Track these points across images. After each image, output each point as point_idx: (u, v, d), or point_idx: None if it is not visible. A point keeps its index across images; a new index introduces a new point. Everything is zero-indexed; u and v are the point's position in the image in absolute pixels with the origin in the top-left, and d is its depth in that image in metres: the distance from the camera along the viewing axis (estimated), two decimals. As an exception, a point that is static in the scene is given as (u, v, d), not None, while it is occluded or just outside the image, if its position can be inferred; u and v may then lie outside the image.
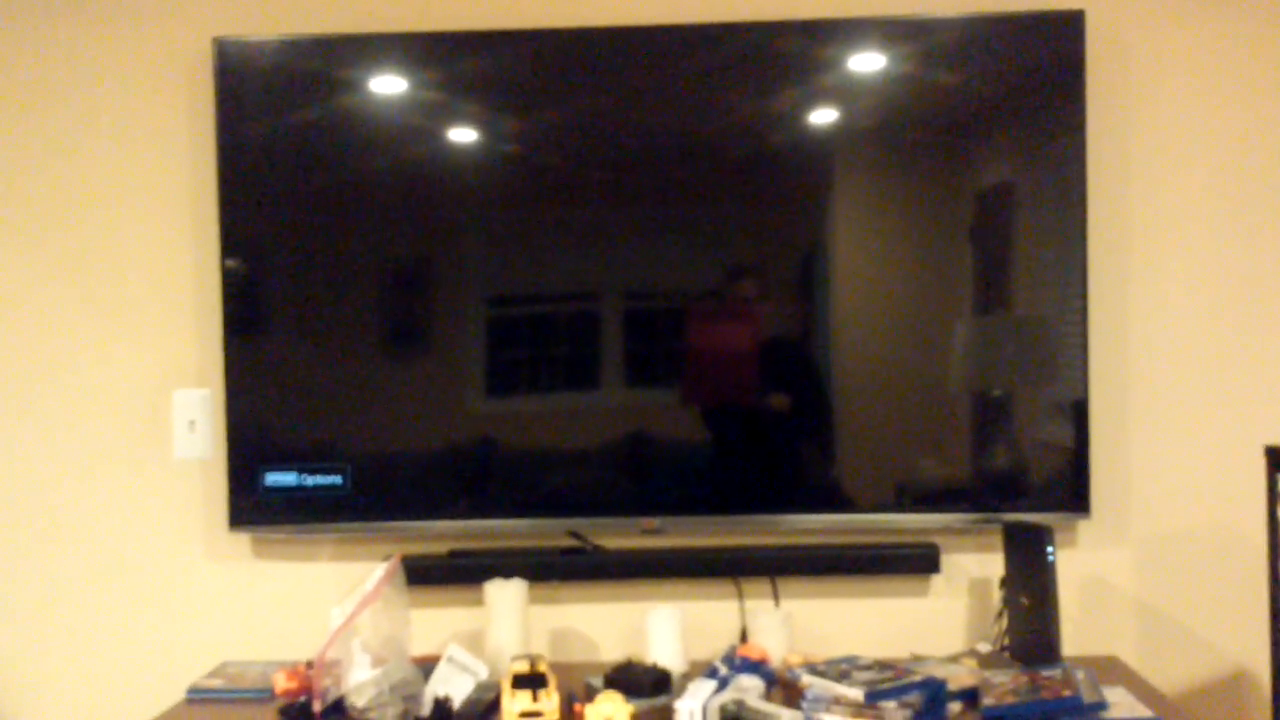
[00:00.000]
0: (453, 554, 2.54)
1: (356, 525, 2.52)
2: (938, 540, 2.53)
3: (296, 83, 2.49)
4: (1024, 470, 2.49)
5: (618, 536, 2.54)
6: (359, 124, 2.49)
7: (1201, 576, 2.54)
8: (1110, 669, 2.39)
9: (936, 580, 2.56)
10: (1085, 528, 2.54)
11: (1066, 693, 2.06)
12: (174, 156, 2.58)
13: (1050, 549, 2.30)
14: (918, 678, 2.09)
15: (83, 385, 2.59)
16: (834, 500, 2.50)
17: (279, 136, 2.49)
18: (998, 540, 2.46)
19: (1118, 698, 2.16)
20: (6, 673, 2.61)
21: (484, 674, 2.22)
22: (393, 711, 2.10)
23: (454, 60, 2.49)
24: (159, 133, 2.58)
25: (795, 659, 2.35)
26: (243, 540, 2.59)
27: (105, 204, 2.59)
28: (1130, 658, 2.52)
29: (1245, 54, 2.52)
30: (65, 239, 2.59)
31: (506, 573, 2.45)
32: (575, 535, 2.54)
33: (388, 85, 2.49)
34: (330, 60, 2.48)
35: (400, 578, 2.27)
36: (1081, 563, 2.55)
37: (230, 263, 2.50)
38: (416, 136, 2.49)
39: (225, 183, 2.49)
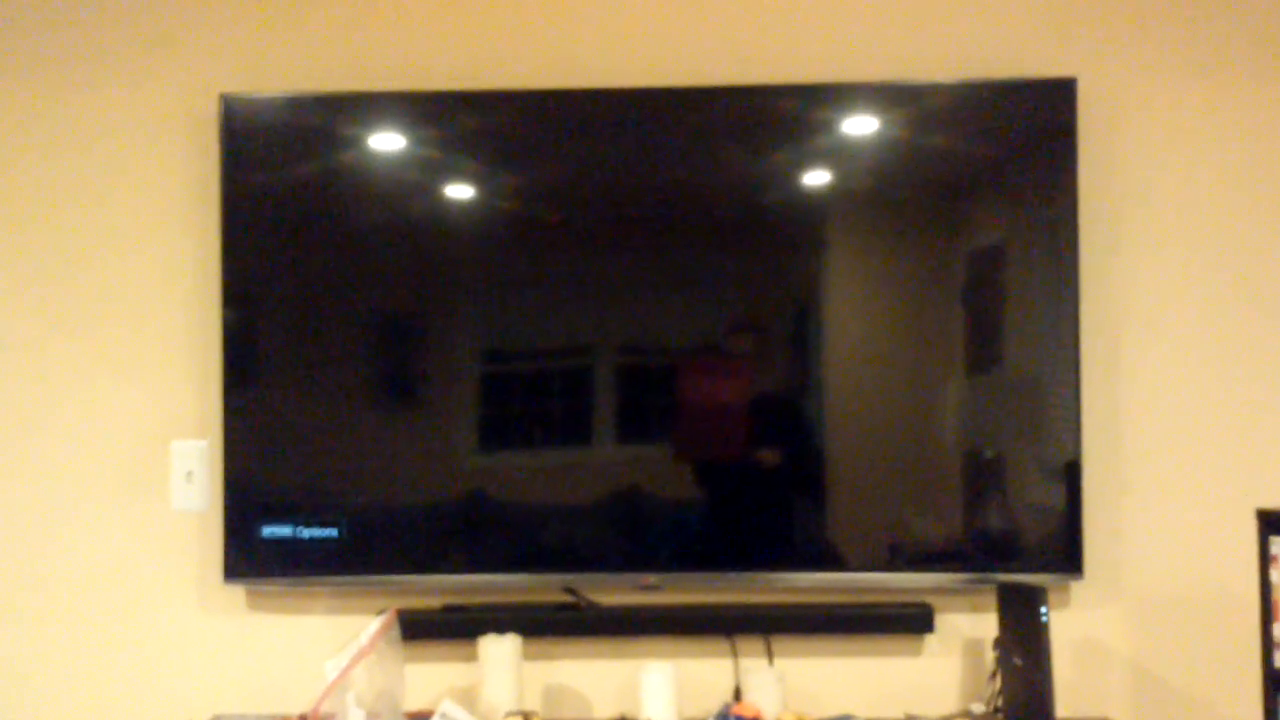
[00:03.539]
0: (447, 609, 2.54)
1: (351, 579, 2.52)
2: (931, 600, 2.53)
3: (299, 139, 2.52)
4: (1017, 530, 2.50)
5: (612, 593, 2.54)
6: (359, 180, 2.52)
7: (1195, 638, 2.55)
8: (1104, 731, 2.39)
9: (930, 640, 2.56)
10: (1079, 588, 2.55)
11: (1060, 755, 2.05)
12: (178, 208, 2.61)
13: (1044, 609, 2.30)
14: (911, 738, 2.09)
15: (81, 434, 2.60)
16: (828, 559, 2.50)
17: (281, 191, 2.52)
18: (991, 600, 2.46)
19: (1111, 760, 2.15)
20: (-4, 724, 2.60)
21: (477, 730, 2.22)
22: (385, 767, 2.09)
23: (452, 119, 2.53)
24: (164, 185, 2.61)
25: (789, 717, 2.35)
26: (237, 592, 2.59)
27: (109, 253, 2.61)
28: (1123, 719, 2.52)
29: (1236, 121, 2.56)
30: (68, 287, 2.61)
31: (501, 628, 2.45)
32: (570, 591, 2.54)
33: (388, 142, 2.53)
34: (332, 117, 2.52)
35: (395, 632, 2.27)
36: (1075, 623, 2.55)
37: (230, 314, 2.52)
38: (415, 193, 2.53)
39: (227, 235, 2.52)
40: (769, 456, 2.53)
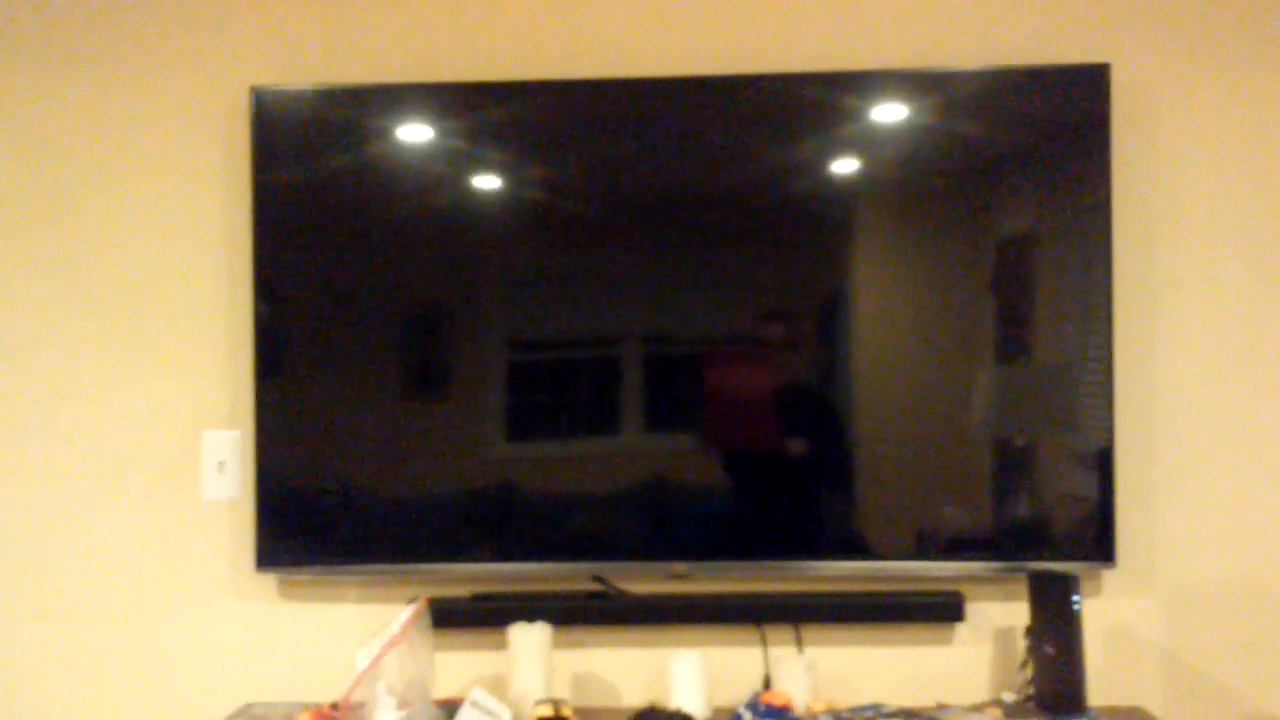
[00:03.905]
0: (477, 597, 2.55)
1: (382, 567, 2.53)
2: (962, 588, 2.52)
3: (329, 131, 2.53)
4: (1049, 518, 2.49)
5: (641, 581, 2.55)
6: (389, 171, 2.53)
7: (1228, 626, 2.53)
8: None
9: (961, 628, 2.56)
10: (1111, 577, 2.53)
11: (1092, 743, 2.05)
12: (210, 200, 2.62)
13: (1075, 598, 2.29)
14: (942, 726, 2.08)
15: (114, 425, 2.62)
16: (858, 547, 2.50)
17: (312, 182, 2.53)
18: (1023, 589, 2.45)
19: (1144, 749, 2.14)
20: (32, 710, 2.62)
21: (507, 718, 2.22)
22: (417, 754, 2.10)
23: (480, 110, 2.53)
24: (196, 177, 2.63)
25: (819, 706, 2.35)
26: (269, 581, 2.61)
27: (142, 245, 2.63)
28: (1156, 708, 2.51)
29: (1271, 106, 2.54)
30: (102, 279, 2.63)
31: (530, 616, 2.46)
32: (599, 580, 2.54)
33: (417, 134, 2.53)
34: (362, 109, 2.53)
35: (425, 620, 2.28)
36: (1107, 612, 2.54)
37: (262, 305, 2.53)
38: (443, 184, 2.53)
39: (259, 227, 2.53)
40: (798, 445, 2.52)
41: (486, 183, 2.53)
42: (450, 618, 2.49)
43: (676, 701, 2.36)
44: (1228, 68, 2.55)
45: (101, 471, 2.62)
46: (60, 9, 2.64)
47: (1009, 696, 2.47)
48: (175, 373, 2.62)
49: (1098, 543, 2.46)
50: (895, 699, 2.49)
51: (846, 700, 2.45)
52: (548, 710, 2.25)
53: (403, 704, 2.18)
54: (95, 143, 2.64)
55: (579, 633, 2.56)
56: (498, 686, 2.45)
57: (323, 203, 2.53)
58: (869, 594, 2.53)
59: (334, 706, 2.29)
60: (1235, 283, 2.54)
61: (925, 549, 2.49)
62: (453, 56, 2.61)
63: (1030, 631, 2.41)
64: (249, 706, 2.50)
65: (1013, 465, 2.49)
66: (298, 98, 2.53)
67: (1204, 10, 2.55)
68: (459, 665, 2.56)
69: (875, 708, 2.20)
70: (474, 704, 2.21)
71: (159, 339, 2.62)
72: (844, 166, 2.51)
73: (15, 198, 2.64)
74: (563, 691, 2.55)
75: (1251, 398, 2.53)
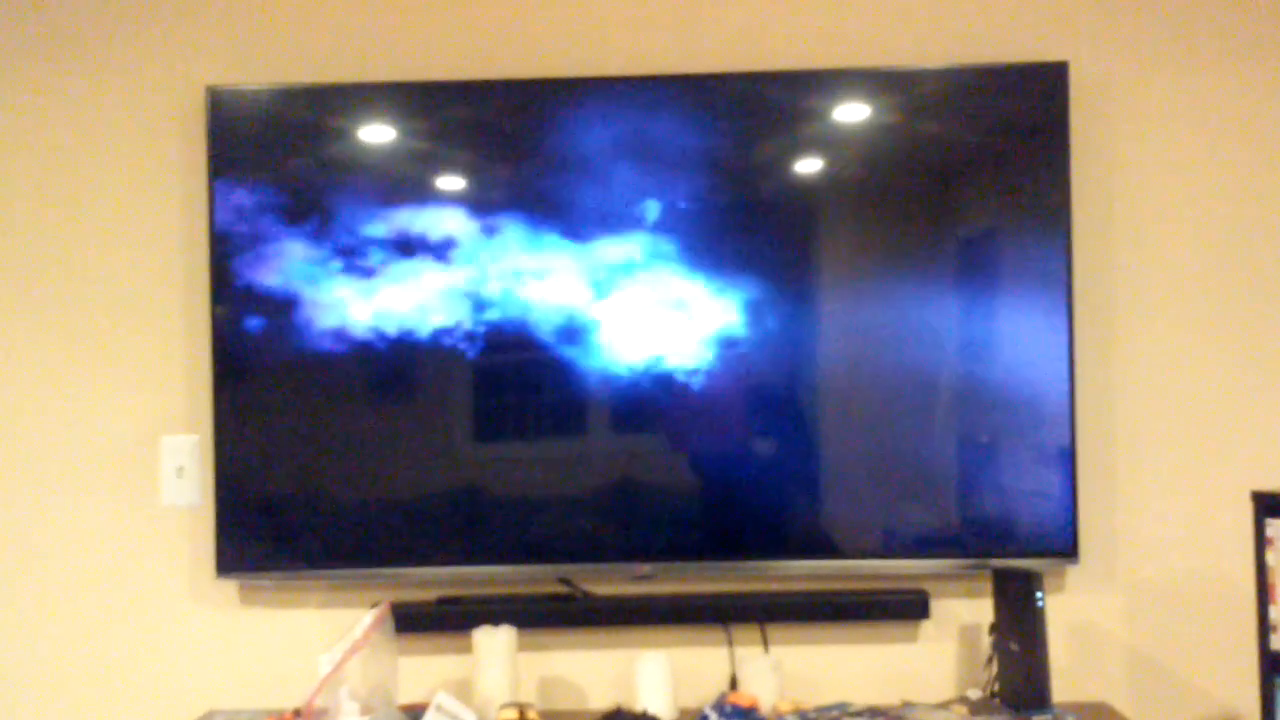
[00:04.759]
0: (441, 601, 2.53)
1: (344, 572, 2.51)
2: (927, 586, 2.53)
3: (287, 131, 2.50)
4: (1012, 515, 2.50)
5: (606, 583, 2.54)
6: (348, 172, 2.50)
7: (1191, 621, 2.55)
8: (1101, 716, 2.38)
9: (926, 626, 2.56)
10: (1074, 573, 2.55)
11: (1057, 739, 2.05)
12: (167, 202, 2.59)
13: (1039, 595, 2.30)
14: (908, 725, 2.08)
15: (71, 429, 2.59)
16: (823, 546, 2.50)
17: (269, 183, 2.50)
18: (987, 585, 2.46)
19: (1108, 744, 2.15)
20: (-11, 722, 2.59)
21: (472, 722, 2.21)
22: (380, 760, 2.08)
23: (442, 109, 2.51)
24: (153, 178, 2.59)
25: (785, 706, 2.34)
26: (230, 587, 2.58)
27: (96, 248, 2.60)
28: (1121, 704, 2.52)
29: (1231, 106, 2.56)
30: (56, 282, 2.60)
31: (495, 619, 2.44)
32: (565, 582, 2.53)
33: (376, 134, 2.51)
34: (320, 109, 2.50)
35: (388, 625, 2.26)
36: (1071, 608, 2.55)
37: (220, 309, 2.50)
38: (404, 184, 2.51)
39: (216, 228, 2.50)
40: (762, 445, 2.52)
41: (448, 183, 2.52)
42: (415, 622, 2.48)
43: (643, 703, 2.36)
44: (1186, 66, 2.57)
45: (59, 477, 2.59)
46: (6, 9, 2.59)
47: (974, 694, 2.48)
48: (132, 376, 2.59)
49: (1061, 539, 2.47)
50: (861, 697, 2.50)
51: (813, 699, 2.45)
52: (513, 714, 2.24)
53: (366, 709, 2.16)
54: (48, 144, 2.60)
55: (544, 635, 2.55)
56: (463, 690, 2.43)
57: (281, 203, 2.50)
58: (835, 593, 2.53)
59: (297, 713, 2.27)
60: (1193, 280, 2.56)
61: (890, 547, 2.49)
62: (412, 56, 2.59)
63: (995, 628, 2.42)
64: (210, 714, 2.48)
65: (976, 463, 2.50)
66: (254, 97, 2.51)
67: (1162, 8, 2.57)
68: (424, 670, 2.54)
69: (841, 706, 2.21)
70: (439, 708, 2.20)
71: (115, 342, 2.59)
72: (806, 166, 2.51)
73: (-33, 200, 2.61)
74: (529, 694, 2.54)
75: (1211, 394, 2.55)
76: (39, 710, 2.58)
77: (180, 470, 2.58)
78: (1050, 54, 2.54)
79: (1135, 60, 2.57)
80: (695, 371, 2.50)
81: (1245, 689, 2.52)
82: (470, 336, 2.51)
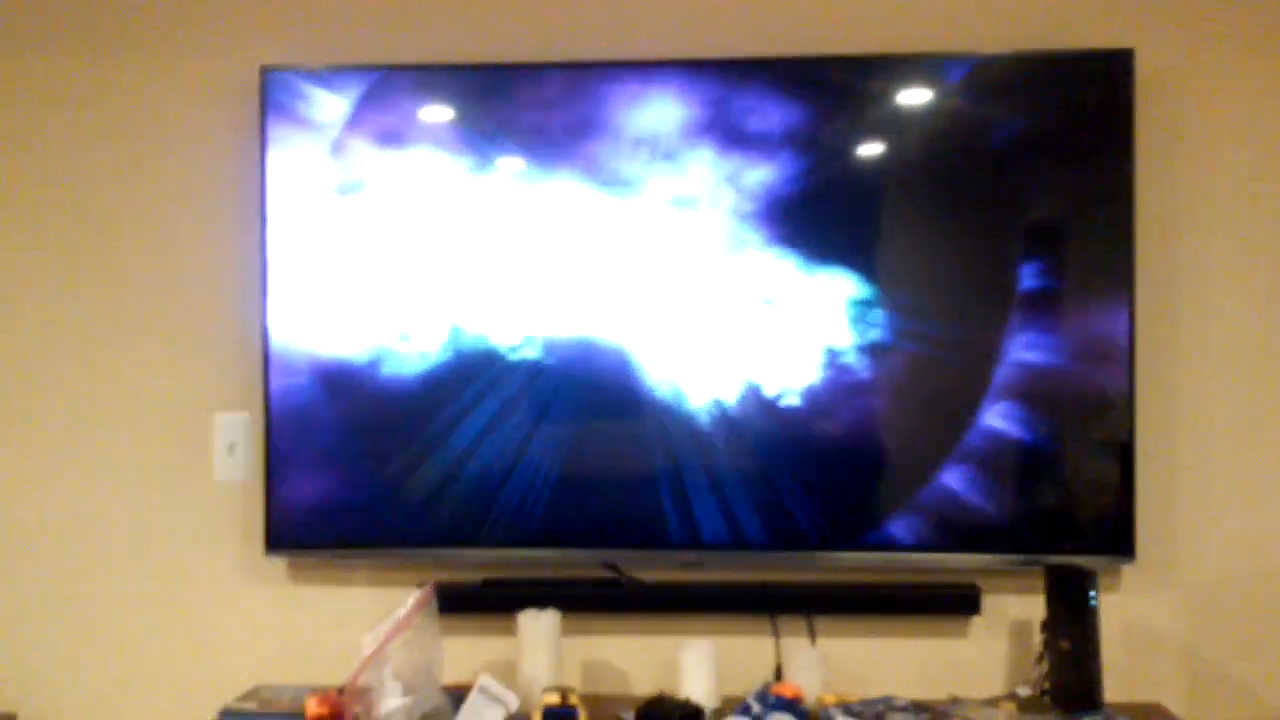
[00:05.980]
0: (486, 583, 2.53)
1: (392, 551, 2.52)
2: (978, 581, 2.49)
3: (340, 111, 2.51)
4: (1068, 511, 2.46)
5: (653, 569, 2.52)
6: (402, 151, 2.50)
7: (1248, 622, 2.49)
8: (1153, 717, 2.34)
9: (976, 621, 2.52)
10: (1130, 572, 2.49)
11: (1107, 740, 2.01)
12: (222, 181, 2.61)
13: (1093, 593, 2.26)
14: (954, 720, 2.05)
15: (125, 406, 2.62)
16: (874, 538, 2.46)
17: (324, 163, 2.51)
18: (1039, 582, 2.41)
19: (1161, 747, 2.11)
20: (41, 692, 2.62)
21: (515, 705, 2.21)
22: (422, 740, 2.09)
23: (500, 92, 2.50)
24: (208, 157, 2.61)
25: (830, 698, 2.32)
26: (279, 564, 2.60)
27: (151, 227, 2.62)
28: (1175, 706, 2.46)
29: (1299, 93, 2.49)
30: (112, 261, 2.62)
31: (540, 603, 2.43)
32: (610, 567, 2.52)
33: (432, 115, 2.51)
34: (375, 90, 2.50)
35: (433, 605, 2.27)
36: (1125, 607, 2.50)
37: (273, 286, 2.51)
38: (461, 165, 2.50)
39: (270, 207, 2.51)
40: (816, 432, 2.49)
41: (507, 164, 2.50)
42: (460, 603, 2.48)
43: (686, 690, 2.34)
44: (1253, 54, 2.50)
45: (112, 453, 2.62)
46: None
47: (1024, 691, 2.44)
48: (186, 355, 2.61)
49: (1117, 537, 2.42)
50: (908, 692, 2.46)
51: (858, 693, 2.42)
52: (555, 697, 2.23)
53: (409, 689, 2.17)
54: (105, 125, 2.62)
55: (589, 620, 2.54)
56: (506, 673, 2.42)
57: (334, 183, 2.51)
58: (884, 585, 2.50)
59: (341, 690, 2.28)
60: (1259, 273, 2.49)
61: (942, 541, 2.46)
62: (472, 38, 2.58)
63: (1046, 626, 2.38)
64: (256, 689, 2.49)
65: (1032, 457, 2.46)
66: (309, 77, 2.51)
67: (1233, -6, 2.50)
68: (468, 651, 2.54)
69: (886, 700, 2.18)
70: (481, 690, 2.20)
71: (169, 321, 2.61)
72: (869, 149, 2.47)
73: (29, 182, 2.63)
74: (572, 679, 2.53)
75: (1275, 390, 2.49)
76: (90, 682, 2.62)
77: (232, 447, 2.60)
78: (1116, 41, 2.48)
79: (1201, 48, 2.50)
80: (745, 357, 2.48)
81: (1305, 694, 2.46)
82: (527, 320, 2.50)
